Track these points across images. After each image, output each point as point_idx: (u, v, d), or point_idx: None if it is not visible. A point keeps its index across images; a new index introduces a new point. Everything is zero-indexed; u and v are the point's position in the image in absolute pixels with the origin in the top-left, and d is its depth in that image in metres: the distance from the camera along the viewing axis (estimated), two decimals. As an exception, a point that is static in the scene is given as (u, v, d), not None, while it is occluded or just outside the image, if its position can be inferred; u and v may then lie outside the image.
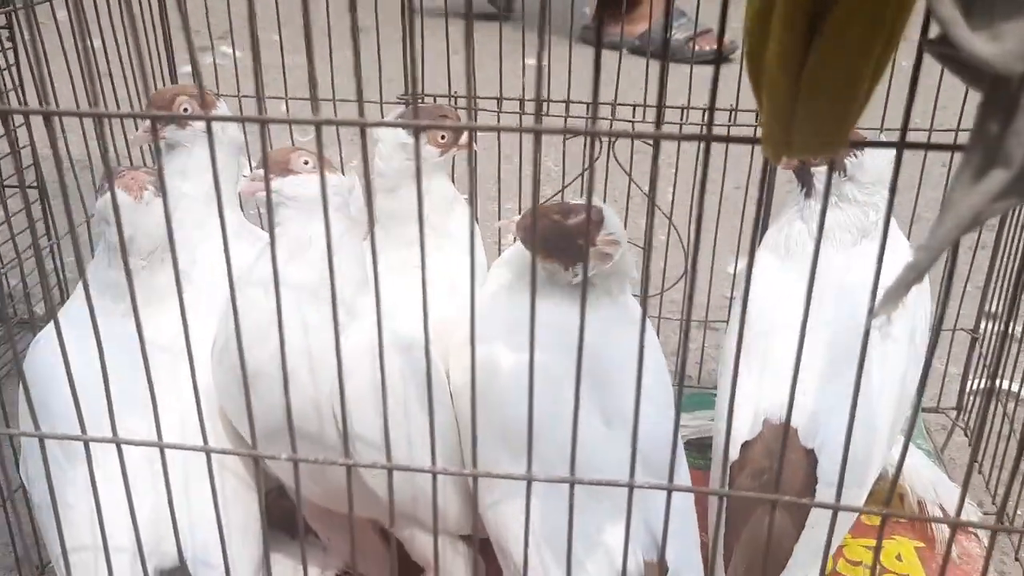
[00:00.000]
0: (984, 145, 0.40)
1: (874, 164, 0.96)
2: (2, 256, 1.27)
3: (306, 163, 0.79)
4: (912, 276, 0.42)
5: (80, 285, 0.91)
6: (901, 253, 1.00)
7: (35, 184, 1.32)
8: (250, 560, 0.81)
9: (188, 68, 0.63)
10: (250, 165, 1.05)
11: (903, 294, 0.43)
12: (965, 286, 1.20)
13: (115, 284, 0.84)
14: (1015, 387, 1.22)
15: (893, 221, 1.01)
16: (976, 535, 1.03)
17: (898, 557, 1.01)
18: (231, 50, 1.52)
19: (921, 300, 1.00)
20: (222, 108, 1.03)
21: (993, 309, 1.21)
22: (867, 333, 0.54)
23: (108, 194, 0.83)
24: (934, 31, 0.40)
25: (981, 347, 1.22)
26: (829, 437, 0.90)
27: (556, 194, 1.26)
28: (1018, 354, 1.12)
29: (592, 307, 0.85)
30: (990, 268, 1.17)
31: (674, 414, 0.87)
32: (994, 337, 1.19)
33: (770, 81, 0.41)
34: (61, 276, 1.32)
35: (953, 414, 1.27)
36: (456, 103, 1.22)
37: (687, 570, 0.78)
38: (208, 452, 0.62)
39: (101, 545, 0.73)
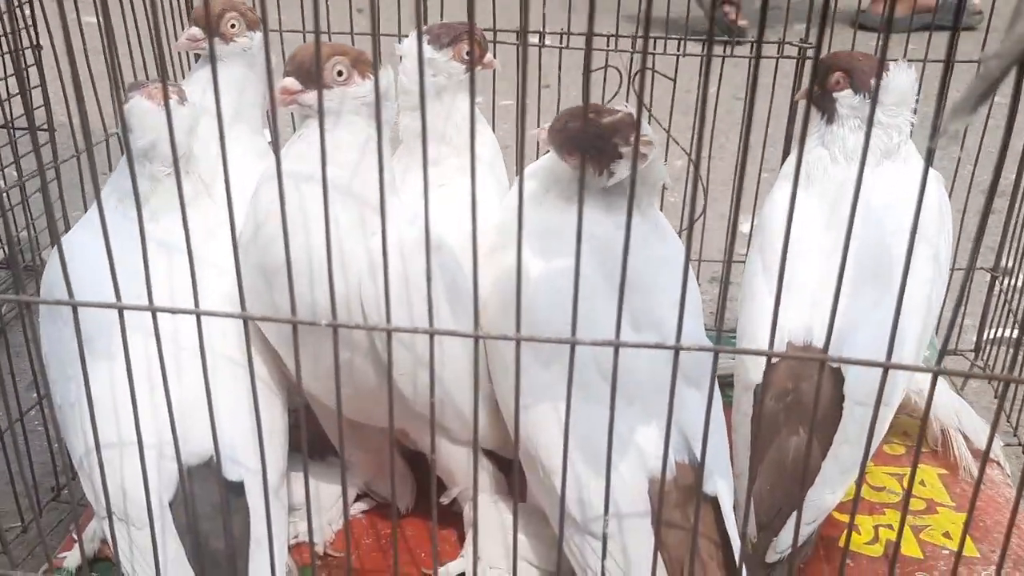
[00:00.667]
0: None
1: (897, 85, 0.96)
2: (10, 198, 1.26)
3: (340, 74, 0.78)
4: (982, 87, 0.42)
5: (104, 191, 0.90)
6: (917, 174, 1.00)
7: (45, 127, 1.31)
8: (276, 464, 0.80)
9: None
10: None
11: (973, 109, 0.42)
12: (983, 225, 1.19)
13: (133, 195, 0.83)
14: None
15: (911, 146, 1.02)
16: (999, 463, 1.03)
17: (922, 483, 1.00)
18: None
19: (944, 226, 1.00)
20: (259, 35, 1.01)
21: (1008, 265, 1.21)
22: (930, 154, 0.52)
23: (132, 100, 0.83)
24: None
25: (1002, 286, 1.22)
26: (855, 355, 0.89)
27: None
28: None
29: (621, 216, 0.84)
30: (1008, 212, 1.17)
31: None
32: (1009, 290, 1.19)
33: None
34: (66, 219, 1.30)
35: (971, 356, 1.27)
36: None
37: (718, 472, 0.78)
38: (245, 319, 0.61)
39: (125, 441, 0.72)
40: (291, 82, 0.76)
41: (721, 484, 0.78)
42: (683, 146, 1.20)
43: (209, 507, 0.75)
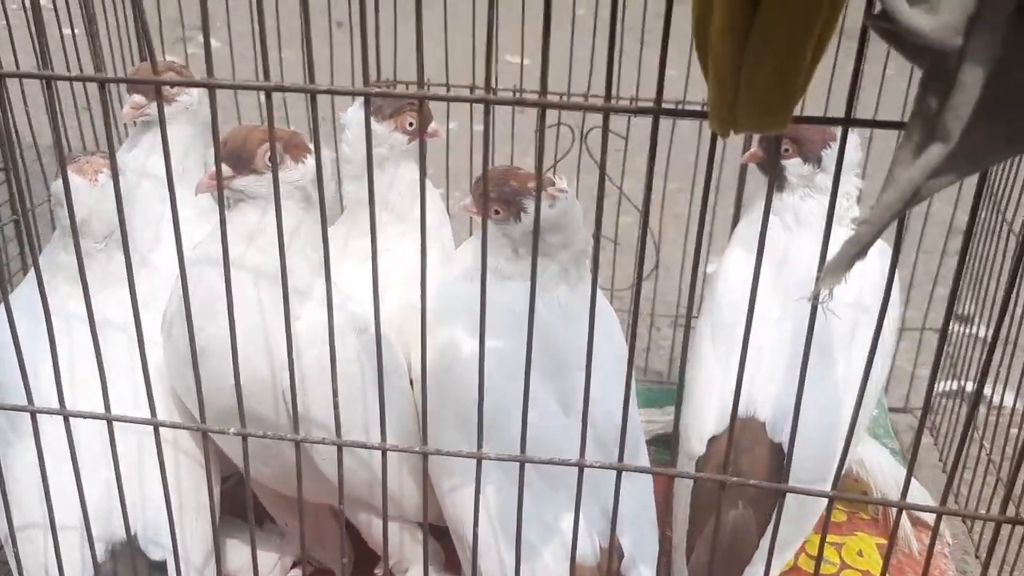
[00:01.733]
0: (923, 120, 0.40)
1: (846, 154, 0.96)
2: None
3: (270, 160, 0.78)
4: (854, 250, 0.42)
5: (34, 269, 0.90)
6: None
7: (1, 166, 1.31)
8: (203, 540, 0.80)
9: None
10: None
11: (846, 268, 0.43)
12: (933, 288, 1.21)
13: (70, 266, 0.83)
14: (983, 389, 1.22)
15: (857, 209, 1.03)
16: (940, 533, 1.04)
17: (859, 553, 1.01)
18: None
19: (892, 302, 1.00)
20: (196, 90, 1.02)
21: (964, 311, 1.21)
22: (814, 310, 0.54)
23: (60, 178, 0.83)
24: (878, 7, 0.40)
25: (949, 348, 1.22)
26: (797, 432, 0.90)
27: (549, 169, 1.25)
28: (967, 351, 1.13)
29: (550, 292, 0.85)
30: (957, 272, 1.18)
31: (630, 401, 0.87)
32: (962, 339, 1.20)
33: (715, 53, 0.41)
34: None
35: (919, 414, 1.28)
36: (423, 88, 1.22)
37: (643, 556, 0.78)
38: (156, 426, 0.61)
39: (50, 522, 0.72)
40: (223, 168, 0.76)
41: (645, 570, 0.78)
42: (635, 204, 1.20)
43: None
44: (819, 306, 0.59)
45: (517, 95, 1.21)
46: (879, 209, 0.41)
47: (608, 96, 0.47)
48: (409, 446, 0.86)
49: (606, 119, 0.47)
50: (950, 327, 1.22)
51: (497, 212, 0.84)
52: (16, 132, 1.11)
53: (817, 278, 0.49)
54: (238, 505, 0.96)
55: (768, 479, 0.89)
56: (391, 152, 0.95)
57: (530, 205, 0.82)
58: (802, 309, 0.94)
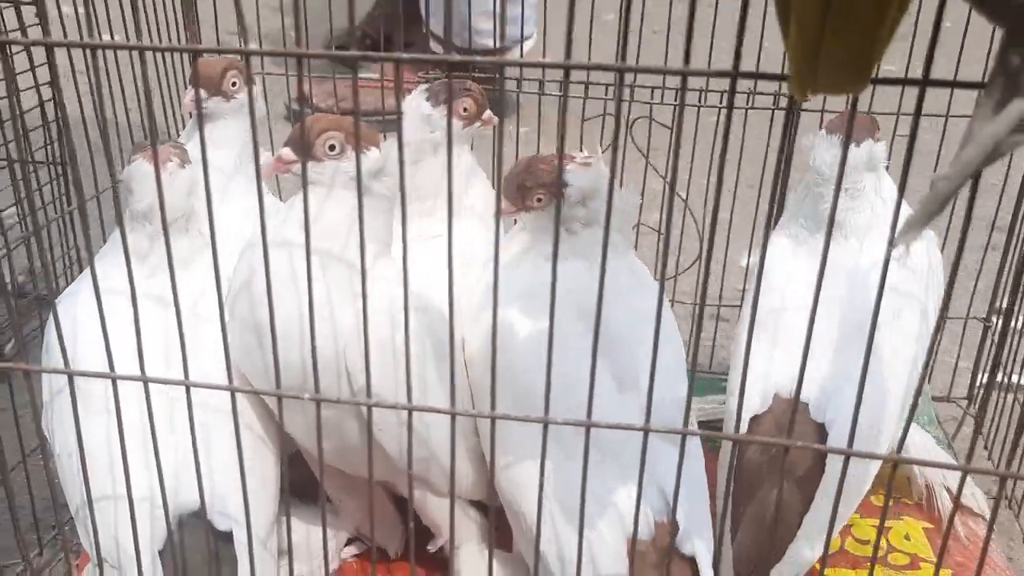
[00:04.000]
0: (1005, 77, 0.41)
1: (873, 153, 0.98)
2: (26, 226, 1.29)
3: (332, 148, 0.79)
4: (932, 206, 0.43)
5: (103, 248, 0.93)
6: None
7: (60, 160, 1.35)
8: (266, 514, 0.82)
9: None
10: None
11: (925, 223, 0.44)
12: (978, 276, 1.21)
13: (135, 248, 0.86)
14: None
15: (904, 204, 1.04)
16: (984, 518, 1.04)
17: (906, 537, 1.01)
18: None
19: (933, 283, 1.01)
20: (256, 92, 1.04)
21: (1003, 304, 1.21)
22: (886, 265, 0.55)
23: (133, 163, 0.86)
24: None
25: (993, 336, 1.22)
26: (838, 413, 0.91)
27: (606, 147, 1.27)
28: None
29: (599, 265, 0.86)
30: (1002, 260, 1.18)
31: (683, 374, 0.89)
32: (1005, 328, 1.20)
33: (799, 11, 0.42)
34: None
35: (964, 403, 1.28)
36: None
37: (697, 532, 0.79)
38: (233, 391, 0.63)
39: (119, 492, 0.74)
40: (286, 152, 0.78)
41: (699, 544, 0.79)
42: (679, 193, 1.22)
43: (199, 557, 0.77)
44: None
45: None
46: (959, 164, 0.42)
47: (687, 60, 0.48)
48: (470, 431, 0.88)
49: (684, 82, 0.48)
50: (994, 319, 1.23)
51: (539, 199, 0.85)
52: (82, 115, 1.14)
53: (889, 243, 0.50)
54: (295, 484, 0.99)
55: (811, 459, 0.90)
56: (445, 137, 0.97)
57: (568, 178, 0.84)
58: (841, 295, 0.96)
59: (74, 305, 0.82)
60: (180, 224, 0.88)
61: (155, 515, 0.75)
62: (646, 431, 0.61)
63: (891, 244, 0.48)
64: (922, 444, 1.05)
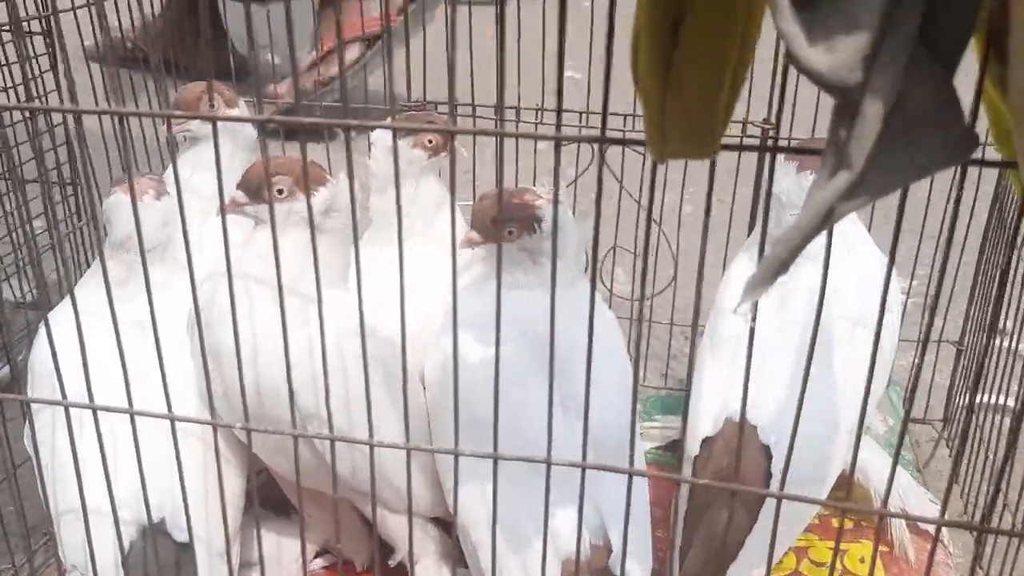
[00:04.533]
0: (835, 148, 0.44)
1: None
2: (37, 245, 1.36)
3: (280, 192, 0.85)
4: (773, 267, 0.46)
5: (87, 274, 0.99)
6: (872, 262, 1.04)
7: (70, 180, 1.42)
8: (226, 527, 0.87)
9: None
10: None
11: (767, 282, 0.47)
12: (950, 299, 1.22)
13: (114, 276, 0.91)
14: (999, 399, 1.22)
15: (863, 232, 1.06)
16: (943, 543, 1.05)
17: (861, 560, 1.03)
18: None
19: (890, 312, 1.03)
20: (241, 106, 1.10)
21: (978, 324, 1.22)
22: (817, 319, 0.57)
23: (112, 196, 0.92)
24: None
25: (966, 359, 1.23)
26: (786, 434, 0.93)
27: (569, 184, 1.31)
28: (1003, 366, 1.13)
29: (560, 300, 0.90)
30: (973, 283, 1.19)
31: (631, 404, 0.92)
32: (978, 350, 1.21)
33: (642, 86, 0.45)
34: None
35: (939, 426, 1.29)
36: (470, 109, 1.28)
37: (632, 554, 0.82)
38: (172, 420, 0.68)
39: (96, 505, 0.79)
40: (239, 195, 0.83)
41: (634, 567, 0.82)
42: (654, 218, 1.24)
43: (161, 564, 0.82)
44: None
45: (540, 113, 1.26)
46: (794, 229, 0.45)
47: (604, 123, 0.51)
48: (426, 454, 0.92)
49: (557, 148, 0.52)
50: (966, 340, 1.24)
51: (511, 232, 0.89)
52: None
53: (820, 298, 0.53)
54: (269, 497, 1.04)
55: (759, 479, 0.92)
56: (410, 168, 1.01)
57: (542, 213, 0.87)
58: (800, 320, 0.98)
59: (56, 329, 0.88)
60: (156, 253, 0.93)
61: (121, 526, 0.80)
62: (583, 467, 0.64)
63: (823, 273, 0.50)
64: (881, 467, 1.06)
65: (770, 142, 1.14)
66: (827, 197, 0.44)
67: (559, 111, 0.54)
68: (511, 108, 1.25)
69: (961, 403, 1.26)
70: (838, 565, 1.03)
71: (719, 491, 0.95)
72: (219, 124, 1.05)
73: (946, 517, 0.64)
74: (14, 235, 1.34)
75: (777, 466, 0.92)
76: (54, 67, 1.33)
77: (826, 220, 0.45)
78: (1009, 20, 0.38)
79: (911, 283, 1.28)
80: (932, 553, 0.65)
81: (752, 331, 0.65)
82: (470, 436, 0.86)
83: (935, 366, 1.27)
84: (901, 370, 1.31)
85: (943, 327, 1.25)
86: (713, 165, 0.50)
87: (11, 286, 1.58)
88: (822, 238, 1.02)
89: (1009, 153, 0.46)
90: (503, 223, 0.89)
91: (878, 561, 1.03)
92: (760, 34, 0.44)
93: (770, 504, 0.91)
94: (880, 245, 1.05)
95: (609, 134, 0.51)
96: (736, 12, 0.42)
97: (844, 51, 0.41)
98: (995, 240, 1.15)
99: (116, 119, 0.65)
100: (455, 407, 0.71)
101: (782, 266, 0.46)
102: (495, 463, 0.66)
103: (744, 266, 1.06)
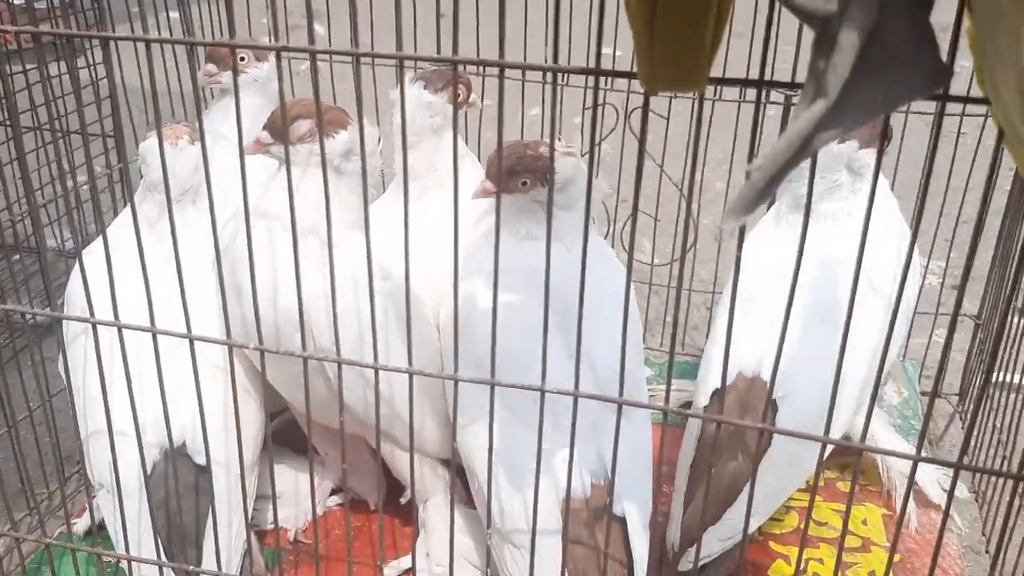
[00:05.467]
0: (813, 78, 0.46)
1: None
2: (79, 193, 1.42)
3: (308, 132, 0.88)
4: (751, 194, 0.48)
5: (120, 215, 1.03)
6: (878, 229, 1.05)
7: (112, 133, 1.47)
8: (246, 456, 0.90)
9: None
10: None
11: (744, 211, 0.49)
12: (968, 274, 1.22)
13: (148, 215, 0.96)
14: (1015, 378, 1.22)
15: (892, 206, 1.07)
16: (953, 517, 1.06)
17: (864, 522, 1.04)
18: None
19: (912, 275, 1.04)
20: (272, 61, 1.13)
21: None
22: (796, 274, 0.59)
23: (147, 140, 0.96)
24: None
25: (983, 333, 1.24)
26: (792, 390, 0.95)
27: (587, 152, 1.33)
28: (1018, 344, 1.14)
29: (564, 248, 0.92)
30: (992, 259, 1.19)
31: (638, 352, 0.94)
32: (994, 326, 1.21)
33: (632, 23, 0.48)
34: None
35: (955, 400, 1.29)
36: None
37: (629, 494, 0.85)
38: (191, 339, 0.72)
39: (121, 427, 0.83)
40: (264, 136, 0.86)
41: (631, 507, 0.85)
42: (675, 182, 1.26)
43: (180, 485, 0.86)
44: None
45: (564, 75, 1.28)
46: (770, 155, 0.47)
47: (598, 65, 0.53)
48: (438, 392, 0.95)
49: (554, 81, 0.54)
50: (984, 315, 1.24)
51: (525, 183, 0.92)
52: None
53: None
54: (291, 438, 1.08)
55: (763, 436, 0.94)
56: (444, 121, 1.04)
57: (559, 165, 0.90)
58: (815, 282, 1.00)
59: (91, 262, 0.92)
60: (190, 194, 0.97)
61: (145, 448, 0.85)
62: (575, 396, 0.67)
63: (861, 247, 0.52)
64: (886, 437, 1.07)
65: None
66: (802, 125, 0.46)
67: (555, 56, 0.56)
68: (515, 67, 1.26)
69: (976, 381, 1.26)
70: (838, 523, 1.05)
71: (726, 444, 0.97)
72: (247, 78, 1.10)
73: (923, 454, 0.66)
74: (56, 185, 1.40)
75: (780, 419, 0.94)
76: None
77: (803, 149, 0.47)
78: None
79: (928, 261, 1.28)
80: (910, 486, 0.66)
81: (736, 283, 0.66)
82: (480, 375, 0.89)
83: (951, 339, 1.27)
84: (919, 345, 1.32)
85: (960, 301, 1.25)
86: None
87: (53, 233, 1.65)
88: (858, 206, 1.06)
89: (985, 90, 0.48)
90: (517, 174, 0.91)
91: (881, 523, 1.05)
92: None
93: (769, 457, 0.93)
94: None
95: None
96: (717, -55, 0.44)
97: (821, -18, 0.43)
98: (1015, 220, 1.15)
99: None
100: (454, 340, 0.73)
101: (760, 193, 0.48)
102: (492, 389, 0.68)
103: (767, 224, 1.07)
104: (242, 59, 1.06)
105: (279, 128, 0.86)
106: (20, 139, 0.75)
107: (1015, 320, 1.21)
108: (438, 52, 1.28)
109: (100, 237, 1.03)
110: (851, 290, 0.66)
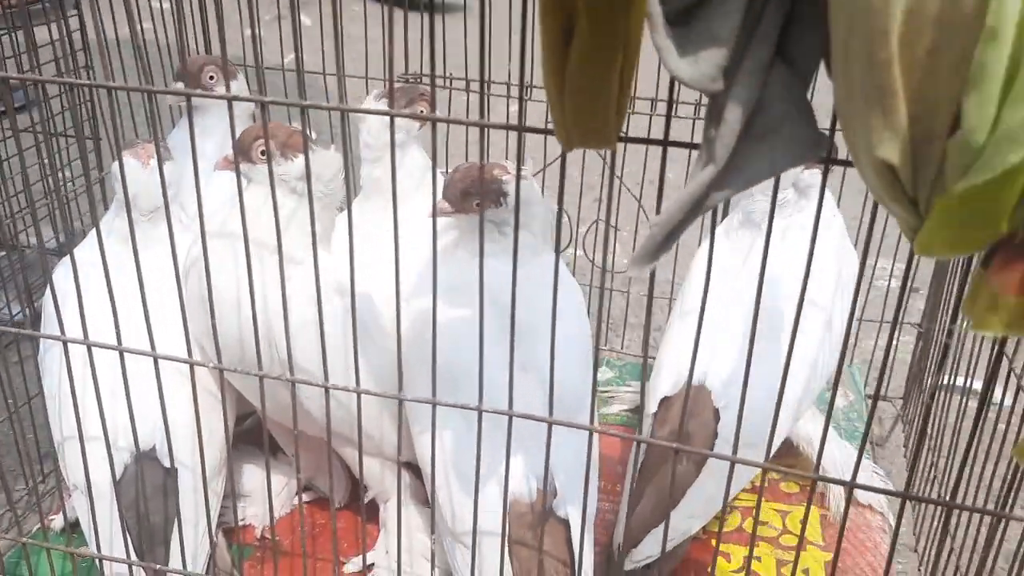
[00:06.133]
0: (706, 145, 0.51)
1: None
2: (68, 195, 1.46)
3: (262, 154, 0.92)
4: (651, 246, 0.53)
5: (92, 232, 1.08)
6: (829, 240, 1.10)
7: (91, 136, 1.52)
8: (211, 458, 0.96)
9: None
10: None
11: (648, 260, 0.54)
12: (911, 283, 1.27)
13: (120, 230, 1.00)
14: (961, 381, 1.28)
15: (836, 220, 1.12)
16: (881, 513, 1.12)
17: (801, 521, 1.10)
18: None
19: (841, 294, 1.09)
20: (240, 79, 1.18)
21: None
22: (758, 296, 0.64)
23: (118, 161, 1.00)
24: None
25: (925, 341, 1.29)
26: (734, 399, 1.01)
27: (538, 171, 1.38)
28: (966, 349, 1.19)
29: (522, 266, 0.97)
30: (936, 268, 1.25)
31: (587, 364, 0.99)
32: (938, 332, 1.27)
33: (545, 81, 0.52)
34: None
35: (899, 404, 1.35)
36: (447, 82, 1.34)
37: (572, 499, 0.90)
38: (155, 358, 0.77)
39: (87, 432, 0.88)
40: (231, 154, 0.91)
41: (573, 510, 0.90)
42: (633, 193, 1.31)
43: (149, 487, 0.92)
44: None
45: (529, 89, 1.33)
46: (665, 215, 0.52)
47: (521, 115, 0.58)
48: (393, 401, 1.00)
49: (519, 138, 0.59)
50: (926, 323, 1.30)
51: (477, 205, 0.97)
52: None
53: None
54: (257, 437, 1.13)
55: (707, 438, 1.00)
56: (407, 137, 1.09)
57: (506, 188, 0.94)
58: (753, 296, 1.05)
59: (66, 276, 0.97)
60: (160, 212, 1.02)
61: (116, 451, 0.90)
62: (510, 416, 0.72)
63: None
64: (827, 443, 1.13)
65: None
66: (694, 188, 0.51)
67: (483, 94, 0.61)
68: (501, 83, 1.31)
69: (924, 383, 1.32)
70: (778, 523, 1.11)
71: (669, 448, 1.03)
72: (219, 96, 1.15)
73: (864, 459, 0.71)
74: (44, 183, 1.44)
75: (722, 426, 0.99)
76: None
77: (697, 208, 0.52)
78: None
79: (892, 265, 1.33)
80: (845, 514, 0.71)
81: (703, 304, 0.72)
82: (438, 387, 0.94)
83: (896, 344, 1.33)
84: (864, 350, 1.38)
85: (905, 307, 1.31)
86: (614, 155, 0.57)
87: (39, 232, 1.69)
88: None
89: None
90: (471, 195, 0.96)
91: (818, 523, 1.11)
92: (640, 43, 0.50)
93: (709, 465, 0.99)
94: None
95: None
96: (617, 25, 0.49)
97: (706, 63, 0.48)
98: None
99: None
100: (399, 362, 0.78)
101: (659, 246, 0.53)
102: (434, 408, 0.73)
103: (718, 235, 1.13)
104: (211, 78, 1.10)
105: (244, 148, 0.90)
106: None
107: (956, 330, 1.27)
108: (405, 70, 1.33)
109: (86, 237, 1.08)
110: (797, 305, 0.71)
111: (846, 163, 0.53)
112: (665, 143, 0.57)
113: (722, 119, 0.50)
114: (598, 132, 0.54)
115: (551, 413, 0.78)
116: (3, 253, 1.71)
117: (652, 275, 0.79)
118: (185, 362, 0.76)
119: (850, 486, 0.73)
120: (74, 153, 1.52)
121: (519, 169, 0.67)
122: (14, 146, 1.17)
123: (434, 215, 0.83)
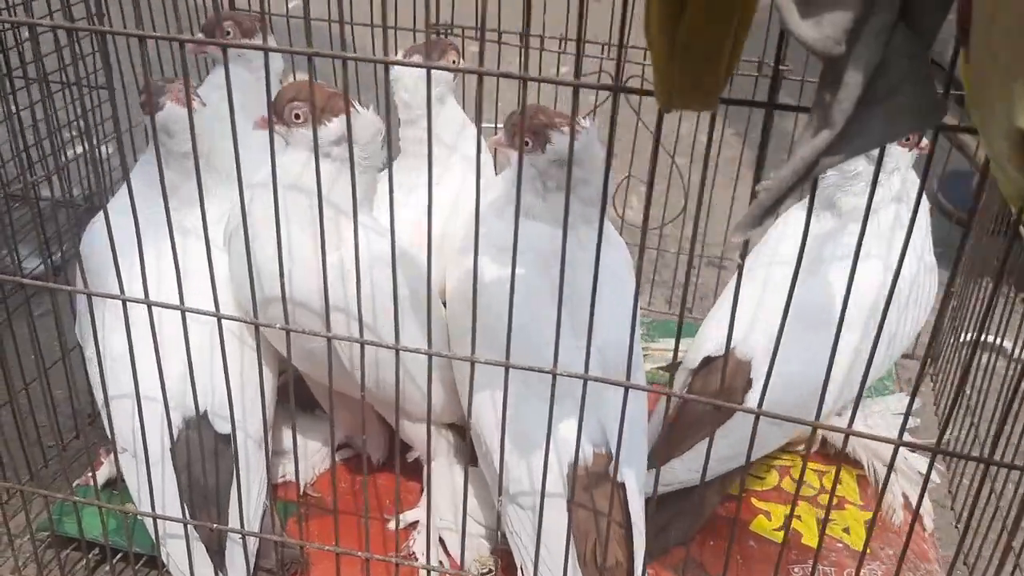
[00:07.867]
0: (819, 109, 0.50)
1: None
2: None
3: (296, 117, 0.89)
4: (758, 212, 0.52)
5: (130, 178, 1.05)
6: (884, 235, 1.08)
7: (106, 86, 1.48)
8: (259, 419, 0.95)
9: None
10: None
11: (753, 225, 0.53)
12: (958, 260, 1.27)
13: (169, 183, 0.97)
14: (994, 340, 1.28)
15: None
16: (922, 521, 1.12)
17: (839, 481, 1.11)
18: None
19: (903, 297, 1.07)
20: (261, 35, 1.14)
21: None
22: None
23: (167, 108, 0.96)
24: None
25: (954, 302, 1.30)
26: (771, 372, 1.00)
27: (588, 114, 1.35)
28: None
29: (571, 231, 0.96)
30: (964, 236, 1.24)
31: (633, 327, 0.98)
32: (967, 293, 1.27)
33: (652, 44, 0.51)
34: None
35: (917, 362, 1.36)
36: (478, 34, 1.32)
37: (629, 461, 0.90)
38: (219, 318, 0.75)
39: (144, 395, 0.87)
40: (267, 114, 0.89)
41: (629, 473, 0.90)
42: (668, 151, 1.30)
43: (204, 451, 0.91)
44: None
45: (563, 43, 1.30)
46: (777, 179, 0.51)
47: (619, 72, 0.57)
48: (444, 361, 1.00)
49: (615, 98, 0.57)
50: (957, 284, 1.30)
51: (527, 143, 0.94)
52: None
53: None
54: (299, 396, 1.12)
55: (738, 403, 1.00)
56: (445, 89, 1.07)
57: (556, 137, 0.91)
58: (812, 275, 1.04)
59: (100, 232, 0.95)
60: (204, 161, 0.99)
61: (164, 414, 0.89)
62: (584, 379, 0.71)
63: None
64: (871, 423, 1.14)
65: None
66: (807, 153, 0.50)
67: (579, 55, 0.59)
68: (536, 36, 1.29)
69: (949, 341, 1.33)
70: (817, 484, 1.12)
71: (711, 416, 1.03)
72: (233, 53, 1.11)
73: (907, 439, 0.71)
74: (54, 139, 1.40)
75: (749, 401, 0.99)
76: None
77: (808, 173, 0.51)
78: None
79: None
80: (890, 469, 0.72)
81: (741, 269, 0.71)
82: (486, 348, 0.94)
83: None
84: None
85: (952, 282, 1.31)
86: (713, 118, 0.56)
87: (51, 185, 1.66)
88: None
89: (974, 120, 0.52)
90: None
91: (855, 483, 1.12)
92: (758, 2, 0.49)
93: (727, 425, 0.99)
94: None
95: (628, 68, 0.57)
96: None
97: (830, 26, 0.47)
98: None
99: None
100: (473, 319, 0.77)
101: (767, 211, 0.52)
102: (507, 371, 0.73)
103: (797, 216, 1.11)
104: (228, 33, 1.07)
105: (279, 110, 0.88)
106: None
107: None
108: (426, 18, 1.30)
109: (117, 193, 1.05)
110: (844, 296, 0.69)
111: (965, 130, 0.52)
112: (770, 105, 0.56)
113: (841, 83, 0.48)
114: (705, 93, 0.53)
115: (628, 376, 0.77)
116: (16, 205, 1.68)
117: (694, 233, 0.79)
118: (250, 323, 0.74)
119: (847, 433, 0.73)
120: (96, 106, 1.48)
121: (573, 125, 0.64)
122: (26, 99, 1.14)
123: (477, 163, 0.80)
